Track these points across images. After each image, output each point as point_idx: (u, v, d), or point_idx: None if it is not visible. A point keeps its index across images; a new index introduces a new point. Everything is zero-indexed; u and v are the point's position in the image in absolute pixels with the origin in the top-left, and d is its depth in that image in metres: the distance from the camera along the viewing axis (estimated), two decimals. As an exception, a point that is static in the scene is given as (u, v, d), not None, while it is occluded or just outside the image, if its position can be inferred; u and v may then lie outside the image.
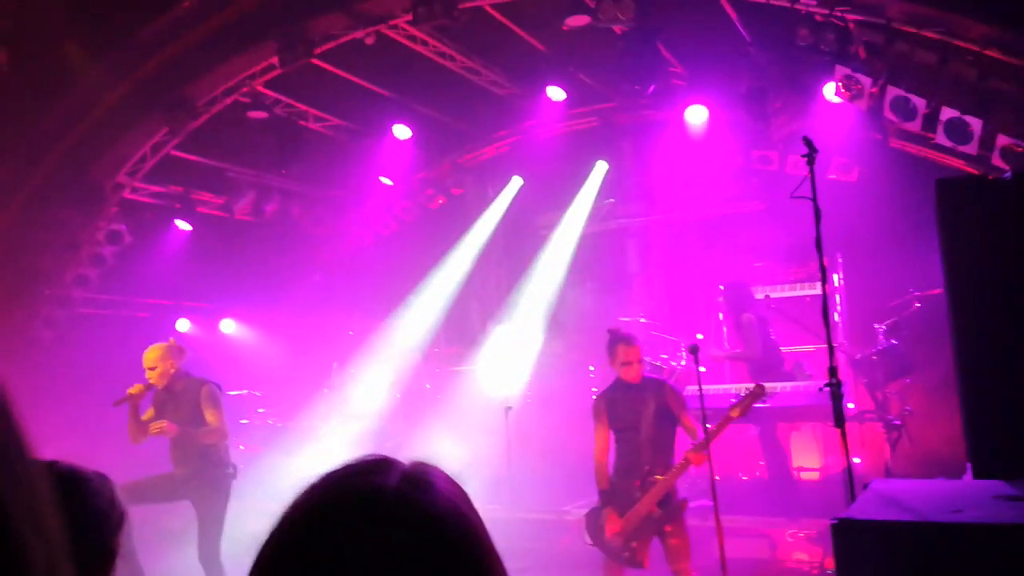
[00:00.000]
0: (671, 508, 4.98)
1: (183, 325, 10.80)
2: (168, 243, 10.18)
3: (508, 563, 0.95)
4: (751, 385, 5.39)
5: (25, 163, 8.69)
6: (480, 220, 10.87)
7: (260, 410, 10.31)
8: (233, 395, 10.11)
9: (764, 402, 5.29)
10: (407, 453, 0.99)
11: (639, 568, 4.99)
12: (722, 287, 8.60)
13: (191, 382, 5.70)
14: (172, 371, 5.66)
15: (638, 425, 5.03)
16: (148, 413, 5.75)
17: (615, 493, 5.08)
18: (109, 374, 8.45)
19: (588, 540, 5.24)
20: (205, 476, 5.59)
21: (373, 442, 9.03)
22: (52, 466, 1.57)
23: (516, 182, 10.72)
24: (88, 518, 1.57)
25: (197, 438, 5.55)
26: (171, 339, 5.84)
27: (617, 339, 5.18)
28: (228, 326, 11.26)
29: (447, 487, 0.95)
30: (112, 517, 1.63)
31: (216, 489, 5.63)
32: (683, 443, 5.08)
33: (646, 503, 4.93)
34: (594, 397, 5.57)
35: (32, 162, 8.74)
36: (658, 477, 4.94)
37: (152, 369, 5.62)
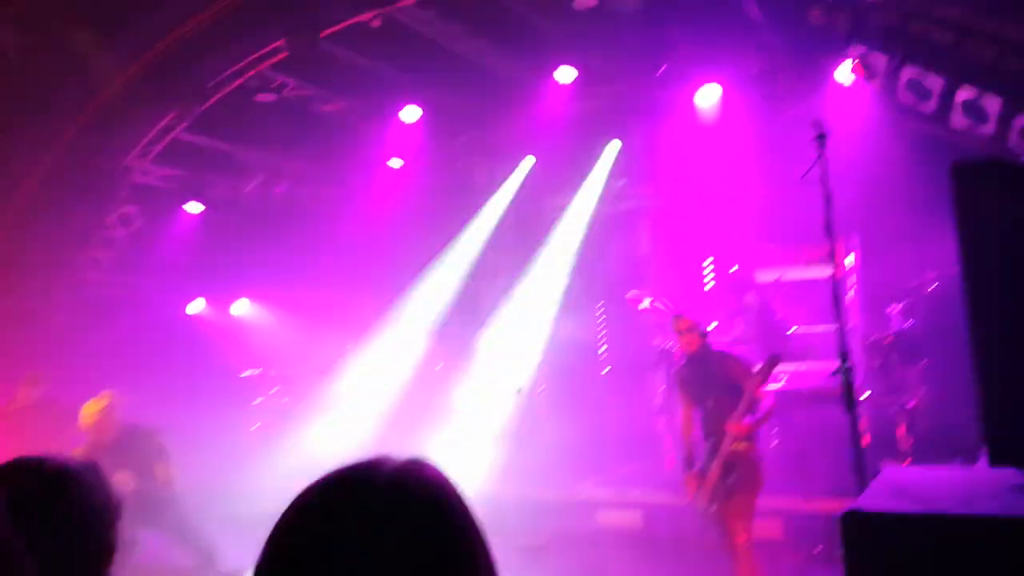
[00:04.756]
0: (737, 473, 5.20)
1: (197, 305, 10.84)
2: (179, 225, 10.19)
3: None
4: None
5: (35, 147, 8.69)
6: (491, 201, 10.83)
7: (273, 389, 10.38)
8: (247, 375, 10.19)
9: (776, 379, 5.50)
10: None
11: (723, 529, 5.31)
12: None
13: (132, 432, 5.68)
14: (113, 426, 5.64)
15: (704, 397, 5.37)
16: None
17: (693, 460, 5.48)
18: (121, 356, 8.51)
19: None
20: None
21: (384, 423, 9.06)
22: (42, 464, 1.56)
23: (528, 162, 10.66)
24: (84, 516, 1.56)
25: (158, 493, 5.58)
26: (106, 392, 5.78)
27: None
28: (241, 306, 11.30)
29: (435, 478, 1.04)
30: (108, 511, 1.62)
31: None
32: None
33: (715, 470, 5.23)
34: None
35: (42, 146, 8.73)
36: (723, 445, 5.20)
37: (92, 427, 5.58)
